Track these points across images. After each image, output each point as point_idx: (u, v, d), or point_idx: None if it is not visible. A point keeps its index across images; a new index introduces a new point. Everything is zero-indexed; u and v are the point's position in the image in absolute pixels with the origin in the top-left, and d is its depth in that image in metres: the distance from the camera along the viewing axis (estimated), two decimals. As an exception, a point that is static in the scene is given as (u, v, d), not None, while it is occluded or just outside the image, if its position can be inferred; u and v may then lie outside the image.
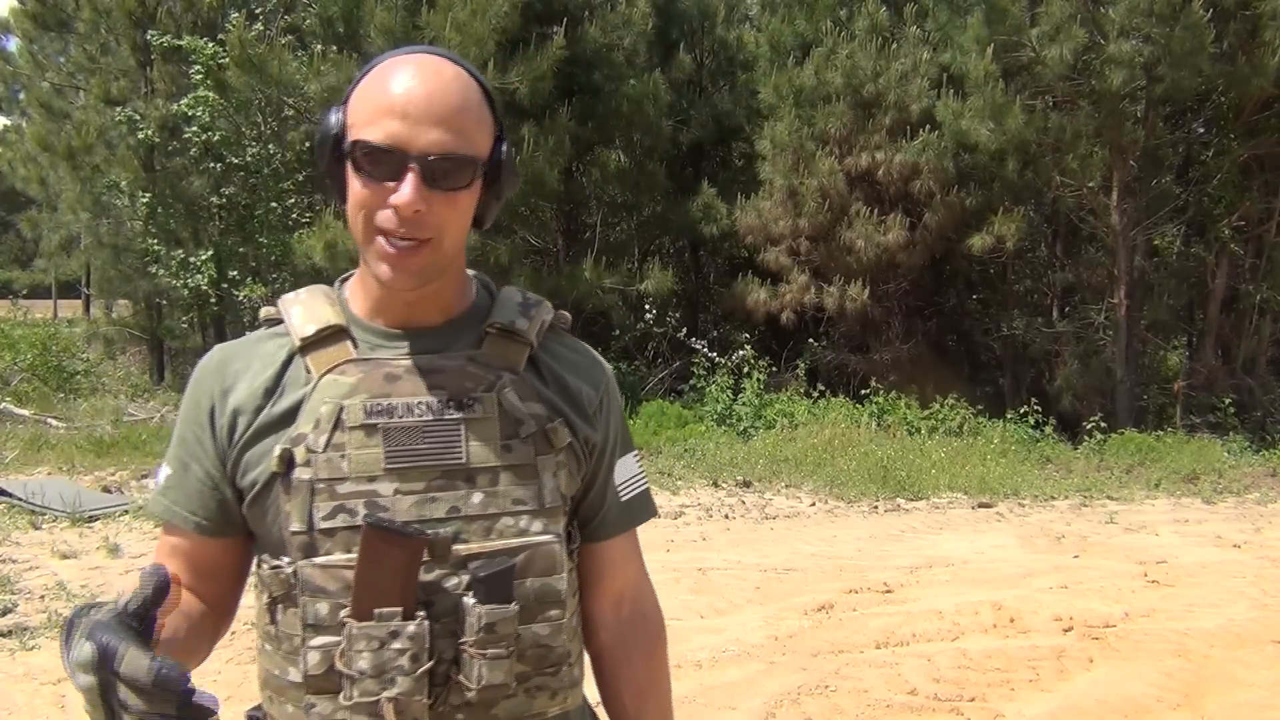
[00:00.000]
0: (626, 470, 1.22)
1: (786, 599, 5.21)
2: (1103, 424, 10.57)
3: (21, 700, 3.77)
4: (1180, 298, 12.63)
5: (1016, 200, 11.55)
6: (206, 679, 4.00)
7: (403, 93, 1.02)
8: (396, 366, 1.09)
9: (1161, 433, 10.60)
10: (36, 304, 23.42)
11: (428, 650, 1.02)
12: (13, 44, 17.88)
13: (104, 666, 0.83)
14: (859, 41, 11.69)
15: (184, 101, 12.14)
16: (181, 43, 12.27)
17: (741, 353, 11.57)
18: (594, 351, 1.24)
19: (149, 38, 13.02)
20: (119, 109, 13.17)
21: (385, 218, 1.03)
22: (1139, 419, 11.13)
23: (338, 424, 1.05)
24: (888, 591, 5.39)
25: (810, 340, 12.49)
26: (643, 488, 1.24)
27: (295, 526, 1.04)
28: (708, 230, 12.66)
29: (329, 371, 1.08)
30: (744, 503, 7.91)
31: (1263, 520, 7.56)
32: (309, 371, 1.09)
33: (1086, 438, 10.48)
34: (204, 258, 12.51)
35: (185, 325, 14.07)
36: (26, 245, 29.06)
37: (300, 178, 12.80)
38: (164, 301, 14.20)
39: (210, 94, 11.88)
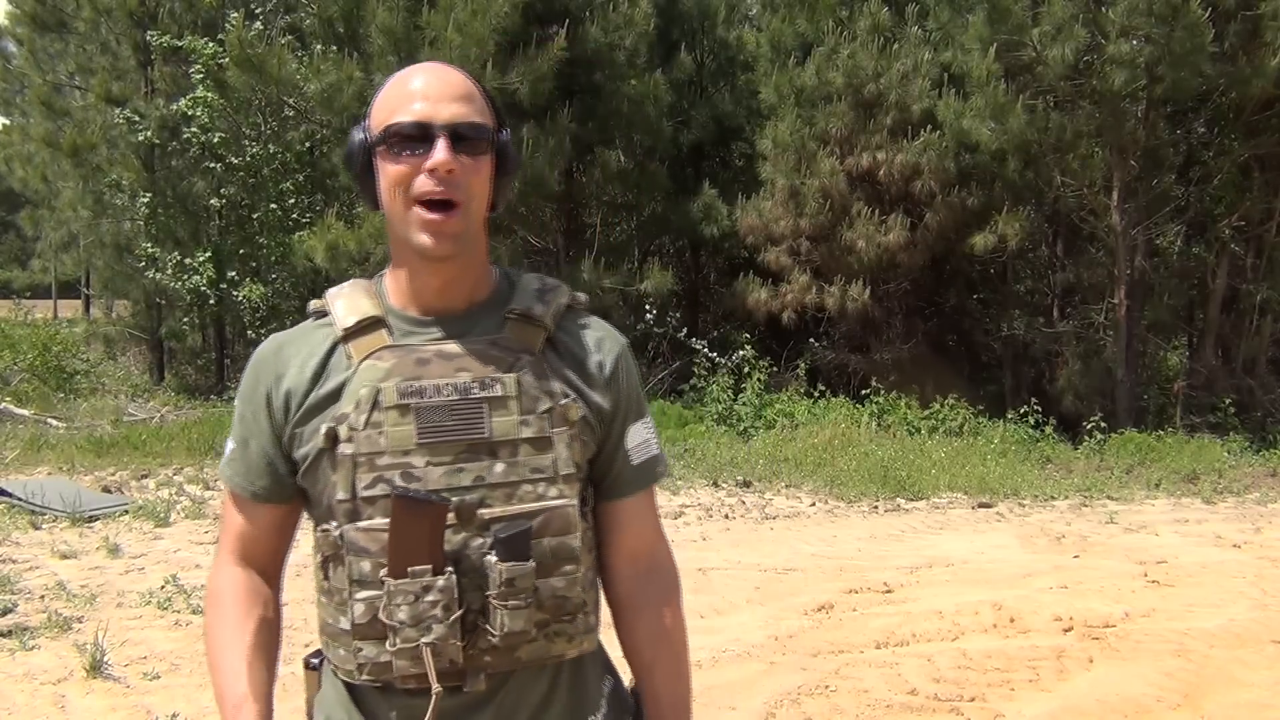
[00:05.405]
0: (638, 435, 1.33)
1: (786, 599, 5.21)
2: (1103, 424, 10.56)
3: (21, 700, 3.77)
4: (1180, 298, 12.62)
5: (1017, 200, 11.54)
6: (207, 678, 3.99)
7: (421, 84, 1.20)
8: (426, 351, 1.22)
9: (1162, 433, 10.59)
10: (37, 304, 23.40)
11: (457, 601, 1.16)
12: (11, 44, 17.83)
13: None
14: (860, 41, 11.68)
15: (183, 102, 12.13)
16: (181, 43, 12.27)
17: (742, 353, 11.56)
18: (609, 325, 1.35)
19: (149, 38, 13.02)
20: (119, 109, 13.16)
21: (420, 183, 1.17)
22: (1139, 419, 11.12)
23: (375, 404, 1.19)
24: (888, 591, 5.38)
25: (811, 340, 12.48)
26: (654, 452, 1.35)
27: (341, 495, 1.18)
28: (708, 230, 12.65)
29: (367, 357, 1.22)
30: (744, 503, 7.91)
31: (1263, 520, 7.56)
32: (350, 358, 1.23)
33: (1086, 438, 10.47)
34: (203, 258, 12.50)
35: (185, 325, 14.08)
36: (27, 245, 29.03)
37: (300, 178, 12.80)
38: (162, 301, 14.20)
39: (209, 94, 11.88)
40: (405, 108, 1.18)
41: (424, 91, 1.19)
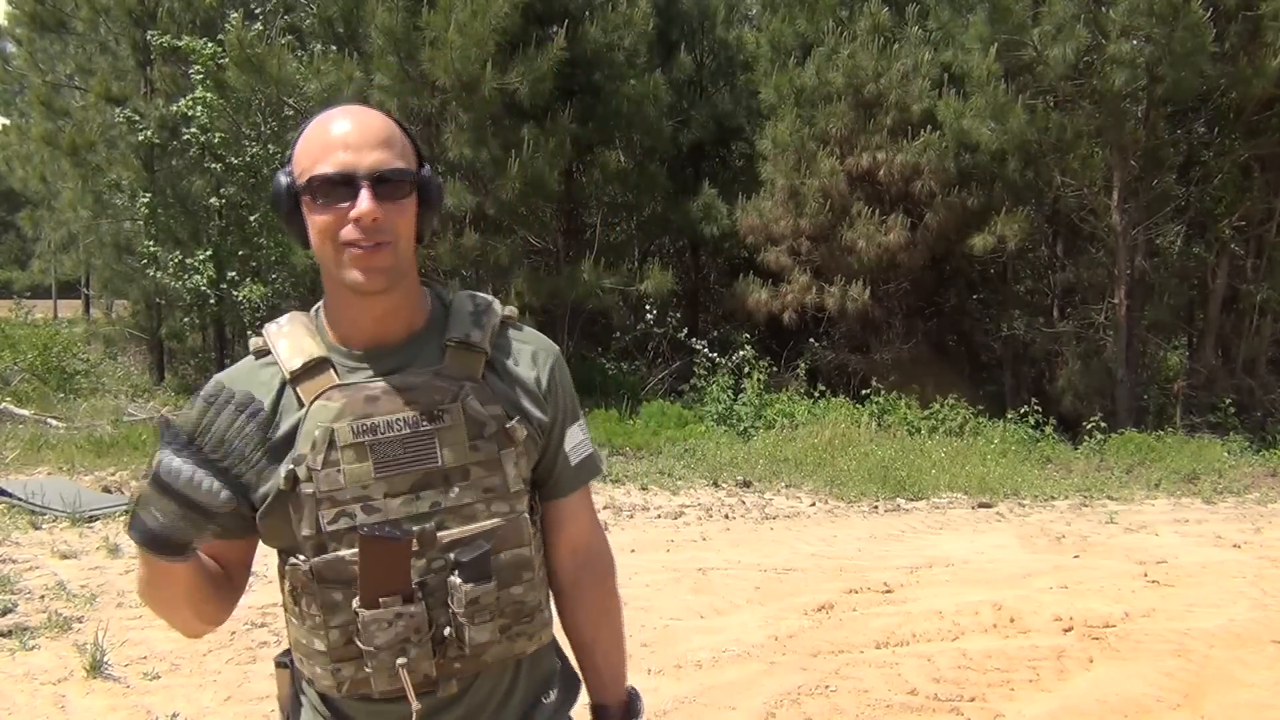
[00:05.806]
0: (575, 438, 1.41)
1: (786, 599, 5.21)
2: (1103, 424, 10.56)
3: (21, 700, 3.77)
4: (1180, 298, 12.62)
5: (1018, 200, 11.54)
6: (207, 678, 4.00)
7: (341, 132, 1.23)
8: (374, 388, 1.26)
9: (1161, 433, 10.59)
10: (37, 304, 23.39)
11: (428, 622, 1.23)
12: (10, 44, 17.82)
13: (189, 446, 1.15)
14: (860, 41, 11.69)
15: (183, 102, 12.12)
16: (181, 43, 12.25)
17: (742, 353, 11.56)
18: (541, 337, 1.41)
19: (149, 38, 13.01)
20: (119, 109, 13.15)
21: (348, 232, 1.21)
22: (1139, 419, 11.12)
23: (331, 444, 1.23)
24: (888, 591, 5.38)
25: (811, 340, 12.48)
26: (589, 451, 1.44)
27: (306, 531, 1.23)
28: (708, 230, 12.65)
29: (317, 398, 1.25)
30: (744, 503, 7.91)
31: (1263, 520, 7.56)
32: (300, 400, 1.26)
33: (1086, 438, 10.47)
34: (202, 258, 12.50)
35: (185, 325, 14.07)
36: (27, 245, 29.03)
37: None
38: (162, 301, 14.18)
39: (208, 94, 11.86)
40: (328, 157, 1.21)
41: (345, 140, 1.22)
